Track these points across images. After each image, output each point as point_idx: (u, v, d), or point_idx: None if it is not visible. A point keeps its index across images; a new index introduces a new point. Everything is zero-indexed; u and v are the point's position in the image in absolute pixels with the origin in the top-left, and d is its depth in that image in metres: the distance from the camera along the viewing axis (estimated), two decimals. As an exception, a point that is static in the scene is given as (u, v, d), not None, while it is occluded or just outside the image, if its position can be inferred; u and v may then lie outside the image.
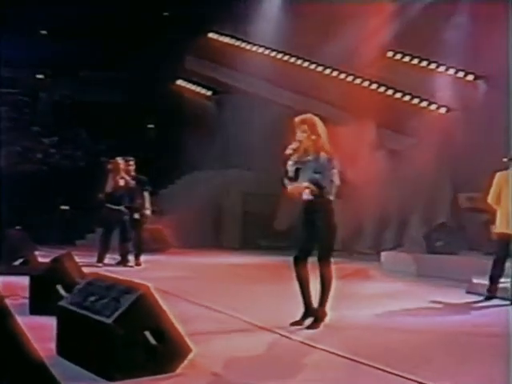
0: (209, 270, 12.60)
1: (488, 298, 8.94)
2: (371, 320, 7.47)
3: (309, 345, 6.06)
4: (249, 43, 17.25)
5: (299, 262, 6.93)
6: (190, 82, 18.48)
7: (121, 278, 5.61)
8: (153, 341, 4.78)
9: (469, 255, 11.93)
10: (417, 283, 10.75)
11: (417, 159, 14.43)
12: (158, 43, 17.18)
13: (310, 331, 6.64)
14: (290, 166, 6.88)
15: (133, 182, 12.56)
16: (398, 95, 15.34)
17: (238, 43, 17.47)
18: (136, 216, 12.67)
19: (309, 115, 7.16)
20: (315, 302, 6.95)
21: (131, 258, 12.81)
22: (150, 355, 4.77)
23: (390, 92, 15.47)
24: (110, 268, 11.77)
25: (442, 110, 14.67)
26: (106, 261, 12.55)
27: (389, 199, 15.39)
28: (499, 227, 9.05)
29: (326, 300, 6.91)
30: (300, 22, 15.90)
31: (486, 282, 9.11)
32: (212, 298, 8.41)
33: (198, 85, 18.48)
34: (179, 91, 18.54)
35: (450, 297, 9.19)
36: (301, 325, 6.83)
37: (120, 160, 12.59)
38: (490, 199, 9.16)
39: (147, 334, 4.78)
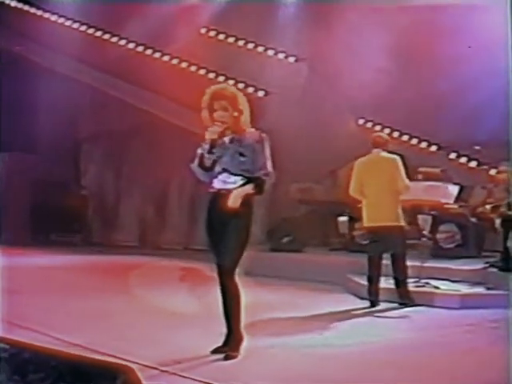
0: (29, 277, 9.86)
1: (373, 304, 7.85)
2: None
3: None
4: (42, 10, 15.05)
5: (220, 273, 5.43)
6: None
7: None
8: None
9: (313, 251, 11.02)
10: (278, 288, 9.00)
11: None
12: None
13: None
14: (206, 152, 5.33)
15: None
16: (212, 76, 14.16)
17: (27, 8, 15.18)
18: None
19: (224, 86, 5.81)
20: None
21: None
22: None
23: (202, 72, 14.25)
24: None
25: (260, 94, 13.72)
26: None
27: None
28: (369, 220, 8.06)
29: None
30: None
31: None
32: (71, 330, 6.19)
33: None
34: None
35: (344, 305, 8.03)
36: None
37: None
38: (352, 191, 8.14)
39: None
